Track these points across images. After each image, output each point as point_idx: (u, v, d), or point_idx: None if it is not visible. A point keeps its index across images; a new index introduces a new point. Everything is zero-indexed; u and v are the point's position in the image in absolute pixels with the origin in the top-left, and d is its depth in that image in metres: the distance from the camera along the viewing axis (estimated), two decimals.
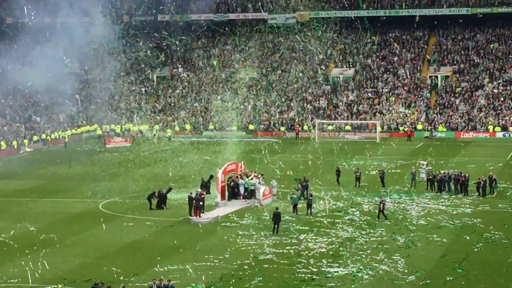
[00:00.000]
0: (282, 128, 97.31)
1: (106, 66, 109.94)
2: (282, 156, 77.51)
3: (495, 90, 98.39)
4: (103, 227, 48.61)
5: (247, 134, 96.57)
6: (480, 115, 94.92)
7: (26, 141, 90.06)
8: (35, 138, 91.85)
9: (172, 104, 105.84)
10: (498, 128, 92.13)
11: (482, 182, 56.45)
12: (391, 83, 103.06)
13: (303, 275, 37.83)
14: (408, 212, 51.31)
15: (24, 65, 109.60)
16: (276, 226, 46.21)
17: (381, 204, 49.70)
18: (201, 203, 50.29)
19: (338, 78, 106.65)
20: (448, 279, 36.90)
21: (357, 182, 60.97)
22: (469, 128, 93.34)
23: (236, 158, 63.13)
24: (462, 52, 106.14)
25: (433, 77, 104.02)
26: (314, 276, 37.60)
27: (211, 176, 57.24)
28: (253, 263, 39.95)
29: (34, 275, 38.35)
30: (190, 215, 50.33)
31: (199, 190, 52.62)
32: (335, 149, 79.34)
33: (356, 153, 79.21)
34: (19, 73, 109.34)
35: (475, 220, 49.02)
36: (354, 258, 40.49)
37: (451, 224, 47.98)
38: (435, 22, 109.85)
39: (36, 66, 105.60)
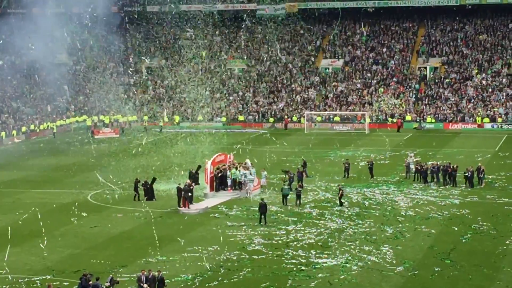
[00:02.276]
0: (271, 120, 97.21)
1: (95, 57, 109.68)
2: (270, 148, 77.51)
3: (484, 82, 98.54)
4: (92, 218, 48.55)
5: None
6: (469, 106, 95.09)
7: (14, 132, 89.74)
8: (23, 129, 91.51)
9: (161, 95, 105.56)
10: (486, 119, 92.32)
11: (469, 173, 56.61)
12: (380, 74, 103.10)
13: (292, 266, 37.88)
14: (396, 203, 51.45)
15: (13, 56, 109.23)
16: (263, 216, 46.22)
17: (340, 191, 50.78)
18: (189, 194, 50.33)
19: (327, 69, 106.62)
20: (436, 269, 37.02)
21: (346, 173, 61.08)
22: (458, 119, 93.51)
23: (224, 149, 63.04)
24: (451, 43, 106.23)
25: (422, 68, 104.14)
26: (302, 267, 37.66)
27: (199, 167, 57.18)
28: (241, 254, 39.99)
29: (22, 266, 38.28)
30: (179, 206, 50.36)
31: (188, 181, 52.61)
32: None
33: (345, 144, 79.36)
34: (7, 64, 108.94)
35: (463, 211, 49.17)
36: (342, 249, 40.56)
37: (440, 215, 48.12)
38: (424, 13, 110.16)
39: (24, 56, 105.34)
